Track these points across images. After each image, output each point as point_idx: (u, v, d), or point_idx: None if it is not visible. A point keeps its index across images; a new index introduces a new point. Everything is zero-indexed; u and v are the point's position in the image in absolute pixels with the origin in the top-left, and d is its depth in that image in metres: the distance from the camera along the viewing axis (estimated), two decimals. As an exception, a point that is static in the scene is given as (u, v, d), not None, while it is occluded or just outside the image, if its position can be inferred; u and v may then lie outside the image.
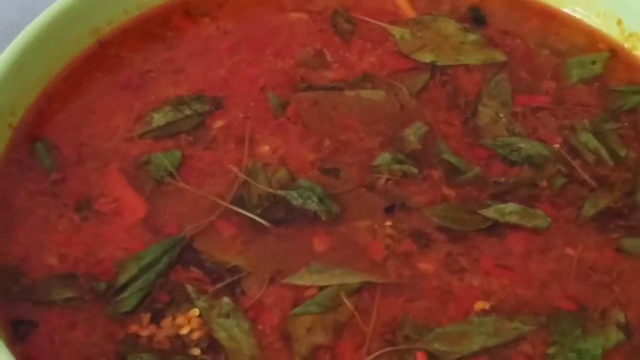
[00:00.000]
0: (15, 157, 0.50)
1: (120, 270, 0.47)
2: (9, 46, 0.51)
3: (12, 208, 0.49)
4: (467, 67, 0.55)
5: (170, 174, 0.50)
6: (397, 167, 0.51)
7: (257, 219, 0.48)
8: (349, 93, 0.54)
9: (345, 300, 0.46)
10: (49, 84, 0.53)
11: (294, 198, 0.49)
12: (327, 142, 0.52)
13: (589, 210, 0.49)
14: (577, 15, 0.58)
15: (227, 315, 0.45)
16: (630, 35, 0.56)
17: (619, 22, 0.56)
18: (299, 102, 0.53)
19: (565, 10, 0.58)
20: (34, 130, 0.51)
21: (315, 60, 0.56)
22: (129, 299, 0.46)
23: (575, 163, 0.51)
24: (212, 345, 0.44)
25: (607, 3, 0.57)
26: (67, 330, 0.45)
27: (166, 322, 0.45)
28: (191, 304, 0.45)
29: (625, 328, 0.45)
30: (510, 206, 0.49)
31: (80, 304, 0.46)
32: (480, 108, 0.53)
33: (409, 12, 0.58)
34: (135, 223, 0.49)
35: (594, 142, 0.52)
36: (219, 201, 0.49)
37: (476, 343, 0.44)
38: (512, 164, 0.51)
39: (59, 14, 0.53)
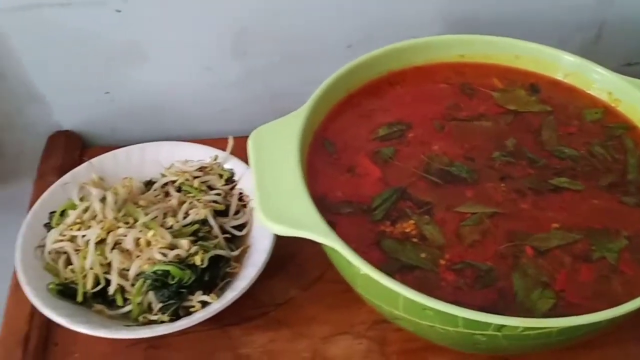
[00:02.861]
0: (315, 148, 0.51)
1: (373, 201, 0.48)
2: (317, 91, 0.52)
3: (317, 170, 0.50)
4: (532, 112, 0.55)
5: (390, 158, 0.51)
6: (503, 159, 0.51)
7: (435, 179, 0.50)
8: (474, 123, 0.55)
9: (486, 220, 0.47)
10: (328, 112, 0.54)
11: (453, 170, 0.50)
12: (466, 145, 0.52)
13: (602, 182, 0.50)
14: (589, 91, 0.57)
15: (428, 224, 0.47)
16: (615, 99, 0.55)
17: (609, 93, 0.55)
18: (449, 126, 0.54)
19: (581, 88, 0.57)
20: (323, 134, 0.53)
21: (454, 107, 0.56)
22: (378, 214, 0.47)
23: (592, 160, 0.51)
24: (422, 237, 0.46)
25: (604, 85, 0.56)
26: (350, 225, 0.46)
27: (398, 225, 0.47)
28: (409, 217, 0.47)
29: (628, 238, 0.46)
30: (563, 179, 0.50)
31: (354, 215, 0.47)
32: (542, 132, 0.53)
33: (499, 85, 0.58)
34: (376, 180, 0.50)
35: (600, 150, 0.52)
36: (416, 171, 0.50)
37: (553, 242, 0.45)
38: (562, 159, 0.51)
39: (338, 79, 0.54)
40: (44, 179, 0.62)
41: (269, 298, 0.54)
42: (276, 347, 0.51)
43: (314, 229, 0.43)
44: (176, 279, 0.48)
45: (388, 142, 0.53)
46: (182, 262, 0.49)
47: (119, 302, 0.48)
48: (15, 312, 0.52)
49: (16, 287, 0.53)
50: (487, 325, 0.39)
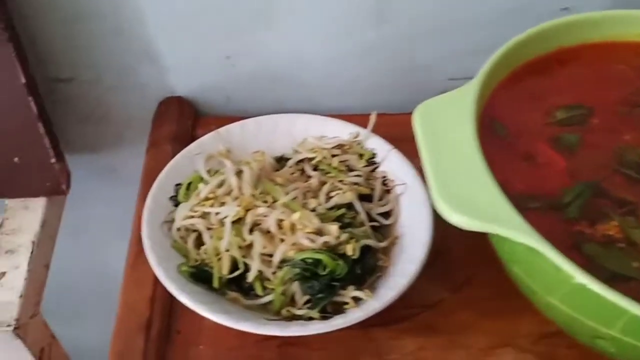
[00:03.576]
0: (484, 130, 0.44)
1: (564, 195, 0.41)
2: (485, 66, 0.45)
3: (489, 155, 0.41)
4: None
5: (575, 146, 0.44)
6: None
7: (634, 174, 0.42)
8: (667, 112, 0.47)
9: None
10: (492, 90, 0.47)
11: None
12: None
13: None
14: None
15: (635, 227, 0.39)
16: None
17: None
18: (637, 113, 0.47)
19: None
20: (491, 114, 0.46)
21: (638, 92, 0.48)
22: (572, 211, 0.40)
23: None
24: (630, 242, 0.39)
25: None
26: (540, 223, 0.37)
27: (598, 227, 0.40)
28: (610, 218, 0.40)
29: None
30: None
31: (543, 211, 0.41)
32: None
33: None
34: (560, 171, 0.43)
35: None
36: (609, 163, 0.43)
37: None
38: None
39: (505, 54, 0.47)
40: (158, 147, 0.57)
41: (417, 299, 0.47)
42: (428, 356, 0.45)
43: (512, 225, 0.37)
44: (327, 270, 0.41)
45: (569, 128, 0.46)
46: (331, 251, 0.42)
47: (259, 291, 0.42)
48: (135, 294, 0.47)
49: (134, 265, 0.48)
50: None
